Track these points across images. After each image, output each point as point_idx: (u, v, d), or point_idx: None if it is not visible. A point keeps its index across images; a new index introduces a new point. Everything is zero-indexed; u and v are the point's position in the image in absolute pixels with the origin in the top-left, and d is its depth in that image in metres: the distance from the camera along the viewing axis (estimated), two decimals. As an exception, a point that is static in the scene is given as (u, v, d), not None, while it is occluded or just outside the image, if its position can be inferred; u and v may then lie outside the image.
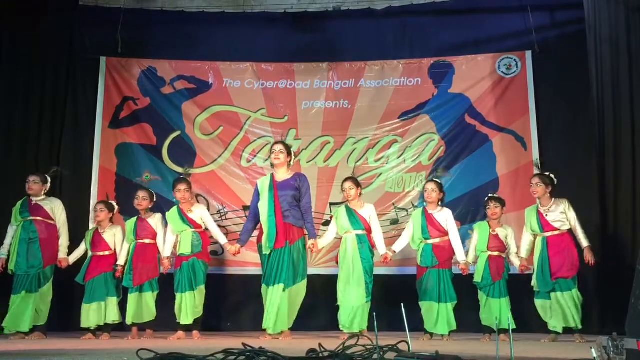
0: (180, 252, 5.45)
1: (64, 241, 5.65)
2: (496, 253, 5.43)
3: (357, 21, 7.25)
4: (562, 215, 5.22)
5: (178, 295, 5.39)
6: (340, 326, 5.30)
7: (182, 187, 5.55)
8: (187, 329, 5.37)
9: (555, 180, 5.35)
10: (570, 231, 5.25)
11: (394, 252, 5.58)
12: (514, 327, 5.01)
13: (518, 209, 6.46)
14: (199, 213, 5.56)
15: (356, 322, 5.23)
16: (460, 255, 5.41)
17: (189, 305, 5.32)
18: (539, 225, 5.27)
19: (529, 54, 6.85)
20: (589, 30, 6.18)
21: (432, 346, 4.57)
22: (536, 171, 5.54)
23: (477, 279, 5.43)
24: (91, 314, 5.49)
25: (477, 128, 6.85)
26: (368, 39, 7.24)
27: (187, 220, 5.47)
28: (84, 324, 5.52)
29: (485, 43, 7.06)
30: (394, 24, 7.23)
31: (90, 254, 5.69)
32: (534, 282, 5.29)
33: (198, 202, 5.77)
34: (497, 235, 5.47)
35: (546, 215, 5.25)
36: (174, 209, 5.59)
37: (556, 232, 5.22)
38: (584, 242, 5.20)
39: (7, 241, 5.61)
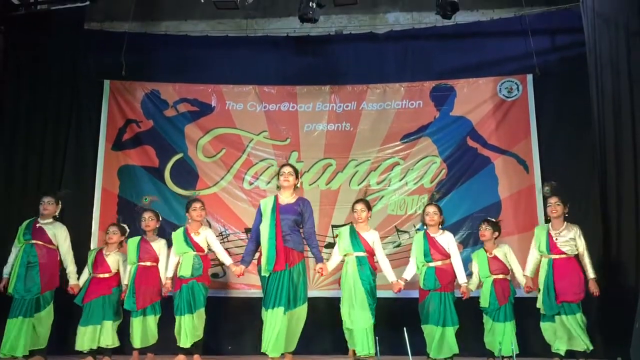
0: (180, 274, 5.41)
1: (71, 268, 5.61)
2: (500, 276, 5.41)
3: (358, 45, 7.31)
4: (572, 242, 5.22)
5: (177, 318, 5.35)
6: (358, 352, 5.23)
7: (197, 205, 5.55)
8: (188, 352, 5.32)
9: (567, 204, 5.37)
10: (577, 256, 5.22)
11: (406, 280, 5.53)
12: (518, 351, 4.99)
13: (520, 231, 6.46)
14: (204, 235, 5.54)
15: (365, 345, 5.19)
16: (461, 278, 5.37)
17: (188, 328, 5.28)
18: (547, 246, 5.25)
19: (530, 77, 6.89)
20: (589, 54, 6.22)
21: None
22: (546, 193, 5.51)
23: (484, 303, 5.39)
24: (86, 337, 5.44)
25: (478, 151, 6.86)
26: (370, 62, 7.29)
27: (190, 243, 5.45)
28: (77, 347, 5.46)
29: (486, 66, 7.10)
30: (396, 48, 7.28)
31: (91, 274, 5.66)
32: (539, 304, 5.25)
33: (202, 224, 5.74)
34: (496, 256, 5.45)
35: (556, 238, 5.24)
36: (180, 229, 5.58)
37: (563, 256, 5.20)
38: (590, 274, 5.19)
39: (11, 262, 5.58)
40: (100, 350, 5.51)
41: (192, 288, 5.35)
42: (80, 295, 5.60)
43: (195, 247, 5.44)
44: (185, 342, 5.26)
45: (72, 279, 5.62)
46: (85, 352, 5.45)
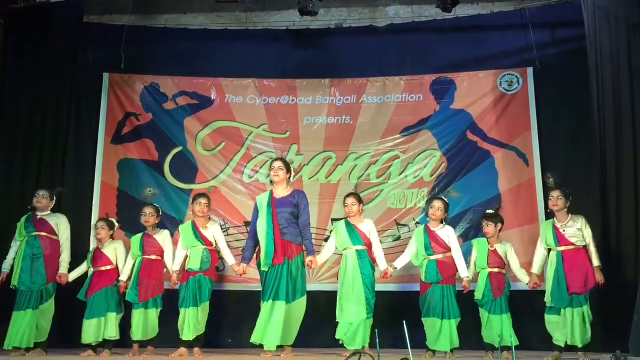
0: (188, 267, 5.40)
1: (65, 257, 5.62)
2: (496, 269, 5.39)
3: (359, 38, 7.30)
4: (579, 232, 5.18)
5: (182, 311, 5.35)
6: (340, 340, 5.26)
7: (202, 200, 5.53)
8: (189, 345, 5.33)
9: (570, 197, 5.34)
10: (586, 247, 5.20)
11: (395, 268, 5.54)
12: (517, 343, 5.00)
13: (520, 225, 6.47)
14: (213, 231, 5.54)
15: (358, 338, 5.19)
16: (463, 272, 5.38)
17: (192, 321, 5.28)
18: (555, 239, 5.22)
19: (530, 71, 6.88)
20: (589, 48, 6.20)
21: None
22: (550, 184, 5.49)
23: (478, 296, 5.38)
24: (91, 330, 5.43)
25: (479, 144, 6.86)
26: (370, 56, 7.28)
27: (199, 237, 5.43)
28: (84, 340, 5.46)
29: (486, 60, 7.09)
30: (396, 41, 7.27)
31: (92, 270, 5.66)
32: (547, 297, 5.21)
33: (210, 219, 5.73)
34: (496, 250, 5.43)
35: (563, 230, 5.21)
36: (189, 223, 5.56)
37: (571, 247, 5.17)
38: (595, 262, 5.16)
39: (11, 255, 5.59)
40: (100, 344, 5.50)
41: (199, 281, 5.34)
42: (83, 291, 5.59)
43: (204, 240, 5.43)
44: (188, 334, 5.26)
45: (63, 268, 5.58)
46: (92, 344, 5.45)
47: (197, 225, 5.49)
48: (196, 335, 5.30)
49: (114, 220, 5.89)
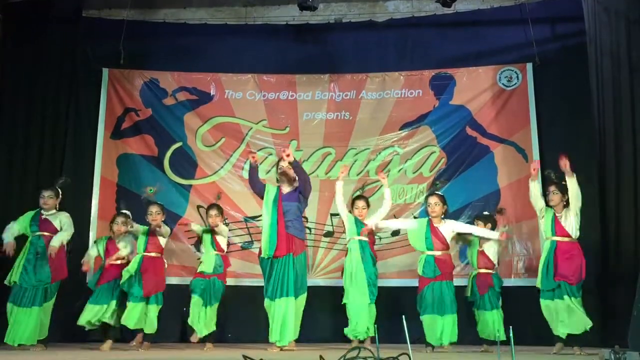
0: (200, 269, 5.59)
1: (64, 235, 5.56)
2: (484, 270, 5.55)
3: (358, 33, 7.30)
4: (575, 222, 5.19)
5: (192, 309, 5.48)
6: (346, 331, 5.35)
7: (213, 212, 5.68)
8: (202, 340, 5.49)
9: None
10: (579, 240, 5.19)
11: (376, 225, 5.61)
12: (503, 338, 5.01)
13: (519, 220, 6.48)
14: (220, 230, 5.69)
15: (359, 328, 5.30)
16: (491, 235, 5.47)
17: (204, 319, 5.47)
18: (552, 228, 5.19)
19: (529, 66, 6.88)
20: (589, 43, 6.21)
21: (434, 358, 4.58)
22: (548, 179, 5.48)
23: (467, 293, 5.58)
24: (91, 313, 5.46)
25: (478, 140, 6.86)
26: (369, 51, 7.28)
27: (214, 244, 5.64)
28: (80, 322, 5.49)
29: (486, 55, 7.09)
30: (395, 36, 7.27)
31: (103, 262, 5.64)
32: (538, 282, 5.21)
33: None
34: (483, 251, 5.57)
35: (561, 217, 5.19)
36: (209, 235, 5.69)
37: (567, 239, 5.15)
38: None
39: (14, 228, 5.51)
40: (101, 339, 5.53)
41: (214, 283, 5.55)
42: (93, 280, 5.62)
43: (217, 247, 5.65)
44: (203, 331, 5.46)
45: (55, 241, 5.49)
46: (86, 328, 5.51)
47: (214, 235, 5.66)
48: (209, 331, 5.49)
49: (129, 212, 5.87)
